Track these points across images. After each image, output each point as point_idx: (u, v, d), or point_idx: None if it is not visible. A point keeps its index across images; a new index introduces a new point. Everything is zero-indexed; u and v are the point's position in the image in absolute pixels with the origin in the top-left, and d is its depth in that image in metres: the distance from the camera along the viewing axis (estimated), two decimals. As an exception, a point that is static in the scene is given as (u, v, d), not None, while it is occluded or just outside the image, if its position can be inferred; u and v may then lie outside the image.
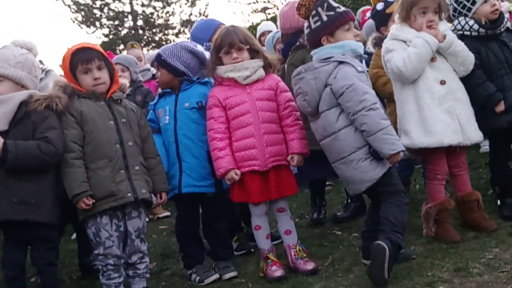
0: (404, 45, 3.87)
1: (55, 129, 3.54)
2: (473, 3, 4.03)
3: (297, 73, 3.66)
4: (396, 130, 4.29)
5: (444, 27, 3.99)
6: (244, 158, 3.77)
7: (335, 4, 3.64)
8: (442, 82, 3.87)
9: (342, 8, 3.64)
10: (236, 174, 3.74)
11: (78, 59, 3.63)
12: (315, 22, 3.61)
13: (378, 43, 4.69)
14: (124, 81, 3.91)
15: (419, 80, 3.84)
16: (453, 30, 4.10)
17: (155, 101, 4.17)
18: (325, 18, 3.58)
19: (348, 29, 3.60)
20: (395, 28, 3.95)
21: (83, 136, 3.57)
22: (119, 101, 3.75)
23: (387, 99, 4.79)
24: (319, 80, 3.54)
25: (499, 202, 4.17)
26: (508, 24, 4.17)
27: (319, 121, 3.61)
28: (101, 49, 3.77)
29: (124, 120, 3.68)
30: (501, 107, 3.97)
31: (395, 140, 3.40)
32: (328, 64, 3.52)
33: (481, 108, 3.96)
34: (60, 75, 4.31)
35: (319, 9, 3.60)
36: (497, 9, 4.04)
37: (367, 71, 3.85)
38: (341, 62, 3.50)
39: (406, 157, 4.45)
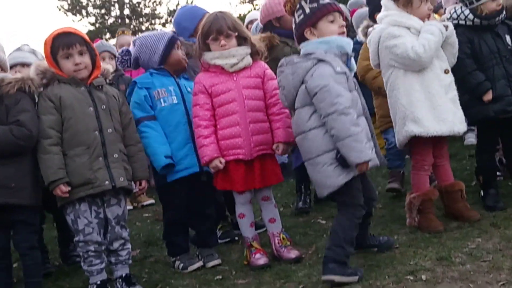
0: (409, 32, 3.84)
1: (28, 112, 3.50)
2: None
3: (280, 65, 3.55)
4: (387, 122, 4.28)
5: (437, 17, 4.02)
6: (229, 147, 3.74)
7: None
8: (446, 71, 3.90)
9: (327, 0, 3.52)
10: (221, 162, 3.72)
11: (59, 43, 3.57)
12: (299, 16, 3.51)
13: (368, 34, 4.66)
14: (107, 66, 3.85)
15: (427, 68, 3.84)
16: (448, 18, 4.15)
17: (142, 79, 4.00)
18: (307, 11, 3.47)
19: (333, 21, 3.46)
20: (397, 14, 3.89)
21: (62, 122, 3.53)
22: (100, 87, 3.69)
23: (375, 92, 4.79)
24: (297, 75, 3.40)
25: (482, 193, 4.21)
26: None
27: (294, 117, 3.50)
28: (83, 34, 3.71)
29: (104, 107, 3.64)
30: (488, 96, 4.00)
31: (363, 148, 3.23)
32: (307, 60, 3.38)
33: (470, 97, 3.98)
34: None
35: (303, 3, 3.50)
36: (500, 5, 4.07)
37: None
38: (320, 60, 3.36)
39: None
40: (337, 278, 3.21)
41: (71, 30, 3.69)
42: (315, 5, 3.47)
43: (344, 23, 3.53)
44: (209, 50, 3.80)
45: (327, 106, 3.25)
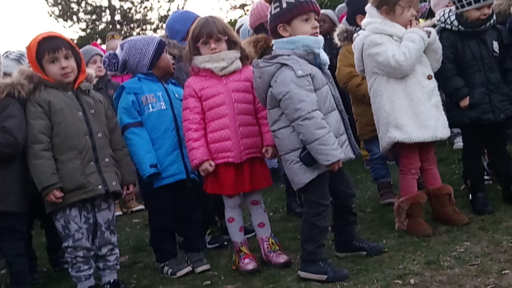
0: (391, 40, 3.86)
1: (15, 118, 3.47)
2: (469, 3, 4.01)
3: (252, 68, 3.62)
4: (370, 131, 4.26)
5: (423, 23, 4.03)
6: (219, 150, 3.73)
7: None
8: (429, 77, 3.91)
9: None
10: (211, 165, 3.71)
11: (45, 48, 3.54)
12: (275, 8, 3.50)
13: (349, 37, 4.66)
14: (90, 71, 3.83)
15: (409, 74, 3.85)
16: (437, 21, 4.17)
17: (130, 83, 3.96)
18: (284, 5, 3.46)
19: (307, 20, 3.46)
20: (379, 22, 3.90)
21: (51, 127, 3.51)
22: (87, 91, 3.68)
23: (359, 100, 4.72)
24: (263, 80, 3.46)
25: (470, 197, 4.22)
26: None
27: (267, 116, 3.58)
28: (67, 38, 3.69)
29: (93, 111, 3.63)
30: (465, 102, 4.04)
31: (330, 150, 3.30)
32: (271, 65, 3.42)
33: (449, 101, 4.00)
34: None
35: None
36: (485, 15, 4.04)
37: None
38: (283, 64, 3.39)
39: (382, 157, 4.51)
40: (302, 274, 3.43)
41: (56, 34, 3.66)
42: (293, 1, 3.45)
43: (317, 24, 3.50)
44: (199, 54, 3.80)
45: (291, 112, 3.34)
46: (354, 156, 3.55)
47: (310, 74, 3.40)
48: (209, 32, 3.76)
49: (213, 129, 3.76)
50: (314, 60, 3.47)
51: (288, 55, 3.42)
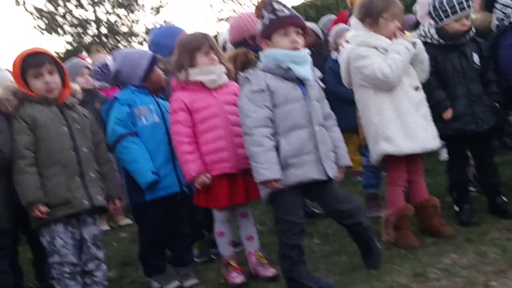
0: (377, 52, 3.88)
1: (1, 132, 3.46)
2: (447, 16, 4.10)
3: None
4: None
5: (409, 34, 4.07)
6: (215, 161, 3.71)
7: (280, 7, 3.49)
8: (416, 88, 3.94)
9: (286, 12, 3.48)
10: (207, 177, 3.69)
11: (29, 63, 3.54)
12: (260, 25, 3.56)
13: None
14: (75, 86, 3.83)
15: (396, 86, 3.87)
16: (418, 35, 4.20)
17: (124, 95, 3.95)
18: (266, 22, 3.51)
19: (285, 34, 3.46)
20: (364, 34, 3.92)
21: (36, 142, 3.49)
22: (72, 106, 3.68)
23: None
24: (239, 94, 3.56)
25: (457, 208, 4.24)
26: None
27: None
28: (52, 54, 3.69)
29: (78, 126, 3.62)
30: (448, 114, 4.08)
31: (259, 169, 3.31)
32: (242, 78, 3.49)
33: (433, 113, 4.03)
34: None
35: (264, 12, 3.52)
36: (465, 25, 4.11)
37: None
38: (248, 79, 3.45)
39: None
40: None
41: (40, 50, 3.66)
42: (273, 16, 3.49)
43: (295, 38, 3.47)
44: (192, 65, 3.79)
45: (241, 126, 3.44)
46: (320, 178, 3.41)
47: (268, 90, 3.40)
48: (212, 44, 3.81)
49: (207, 141, 3.73)
50: (285, 74, 3.45)
51: (254, 70, 3.48)
